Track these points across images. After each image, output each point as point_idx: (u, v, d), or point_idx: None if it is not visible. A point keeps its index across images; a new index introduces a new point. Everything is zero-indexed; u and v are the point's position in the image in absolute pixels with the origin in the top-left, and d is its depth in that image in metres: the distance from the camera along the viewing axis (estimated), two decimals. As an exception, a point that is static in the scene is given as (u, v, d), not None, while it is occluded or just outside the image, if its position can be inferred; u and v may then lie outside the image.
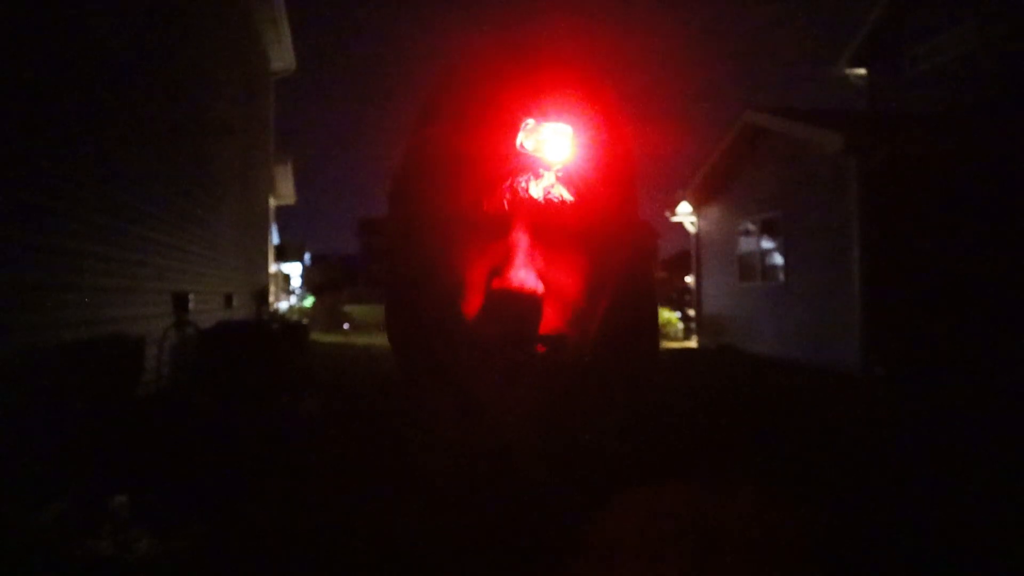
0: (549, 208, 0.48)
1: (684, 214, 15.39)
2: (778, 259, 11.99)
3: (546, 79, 0.50)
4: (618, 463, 0.56)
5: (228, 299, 8.93)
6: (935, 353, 8.90)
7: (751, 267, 12.95)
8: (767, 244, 12.40)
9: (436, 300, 0.51)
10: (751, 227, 12.89)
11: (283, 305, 21.91)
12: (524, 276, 0.47)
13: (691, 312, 16.16)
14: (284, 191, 15.90)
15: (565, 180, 0.48)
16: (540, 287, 0.48)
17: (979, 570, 3.08)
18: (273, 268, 16.26)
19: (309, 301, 23.43)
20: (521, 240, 0.48)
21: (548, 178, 0.48)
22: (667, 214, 15.81)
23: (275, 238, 18.15)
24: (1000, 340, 8.84)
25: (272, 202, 14.52)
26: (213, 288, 8.31)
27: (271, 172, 13.85)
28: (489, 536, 0.51)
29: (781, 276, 11.85)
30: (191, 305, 6.66)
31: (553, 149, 0.47)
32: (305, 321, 14.05)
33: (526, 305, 0.47)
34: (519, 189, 0.48)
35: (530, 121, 0.47)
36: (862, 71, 14.48)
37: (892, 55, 13.60)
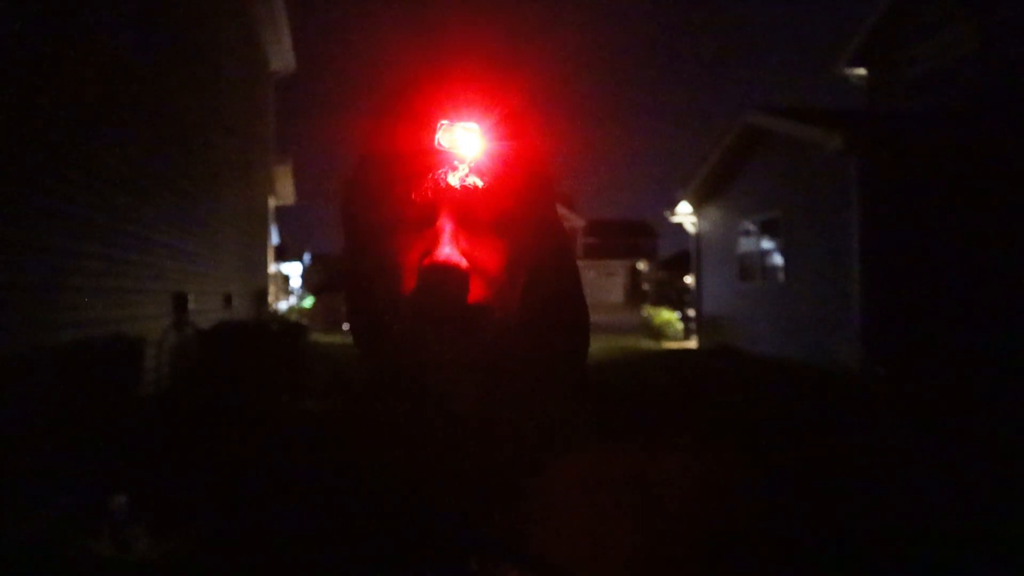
0: (469, 197, 0.57)
1: (684, 214, 15.38)
2: (778, 259, 11.99)
3: (457, 85, 0.58)
4: (590, 456, 0.61)
5: (227, 299, 8.93)
6: (935, 353, 8.90)
7: (751, 267, 12.95)
8: (767, 244, 12.40)
9: (380, 281, 0.59)
10: (751, 227, 12.89)
11: (283, 305, 21.91)
12: (449, 252, 0.55)
13: (691, 312, 16.16)
14: (284, 191, 15.88)
15: (477, 172, 0.57)
16: (464, 262, 0.55)
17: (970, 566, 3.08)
18: (273, 268, 16.26)
19: (309, 301, 23.44)
20: (446, 225, 0.56)
21: (462, 170, 0.57)
22: (667, 214, 15.82)
23: (275, 238, 18.14)
24: (1001, 339, 8.84)
25: (272, 202, 14.51)
26: (213, 288, 8.31)
27: (271, 172, 13.85)
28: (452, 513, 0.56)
29: (781, 276, 11.85)
30: (191, 305, 6.66)
31: (465, 145, 0.56)
32: (304, 321, 14.05)
33: (452, 277, 0.55)
34: (440, 180, 0.56)
35: (444, 122, 0.56)
36: (862, 71, 14.47)
37: (892, 55, 13.60)
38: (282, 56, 13.36)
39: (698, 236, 15.26)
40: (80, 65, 4.60)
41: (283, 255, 25.21)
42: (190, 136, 7.46)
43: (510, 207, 0.58)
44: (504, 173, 0.58)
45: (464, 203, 0.57)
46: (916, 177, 9.41)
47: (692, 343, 15.45)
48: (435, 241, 0.56)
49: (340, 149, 0.65)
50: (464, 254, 0.56)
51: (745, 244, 13.17)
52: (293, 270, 30.42)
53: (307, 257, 34.16)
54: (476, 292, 0.56)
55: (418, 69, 0.62)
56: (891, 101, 13.54)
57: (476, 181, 0.57)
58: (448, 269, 0.54)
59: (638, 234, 47.61)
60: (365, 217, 0.61)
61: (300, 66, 13.98)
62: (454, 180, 0.56)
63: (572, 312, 0.66)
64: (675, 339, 16.07)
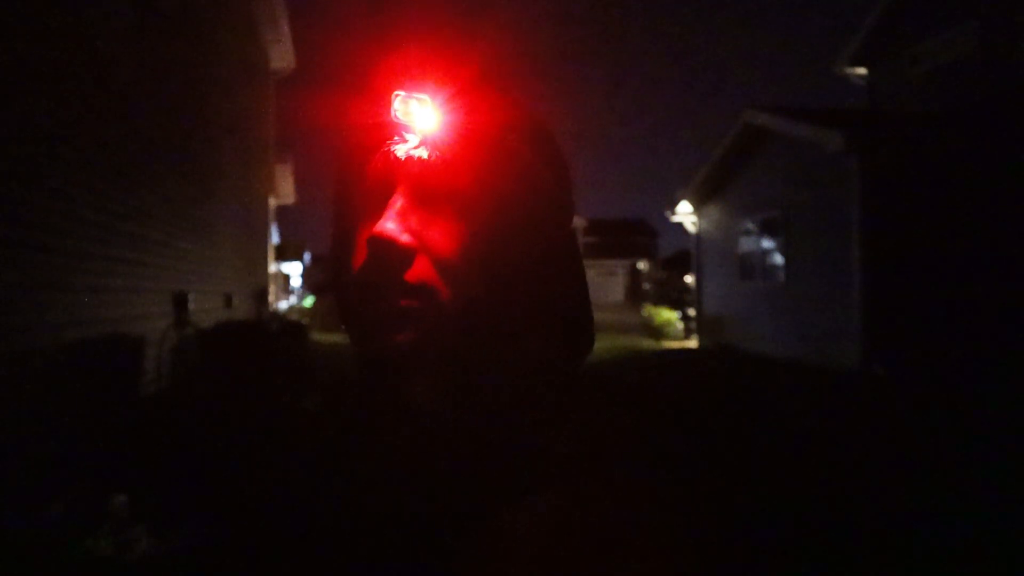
0: (424, 173, 0.55)
1: (684, 214, 15.38)
2: (778, 259, 11.98)
3: (412, 55, 0.56)
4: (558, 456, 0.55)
5: (228, 299, 8.93)
6: (935, 353, 8.90)
7: (751, 267, 12.95)
8: (767, 244, 12.39)
9: (340, 255, 0.59)
10: (751, 227, 12.89)
11: (283, 305, 21.90)
12: (389, 227, 0.53)
13: (691, 312, 16.16)
14: (284, 191, 15.90)
15: (430, 145, 0.55)
16: (405, 238, 0.53)
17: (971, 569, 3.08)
18: (273, 268, 16.26)
19: (309, 301, 23.44)
20: (397, 200, 0.55)
21: (413, 142, 0.55)
22: (667, 213, 15.81)
23: (275, 238, 18.14)
24: (1001, 339, 8.84)
25: (272, 202, 14.51)
26: (213, 288, 8.31)
27: (271, 172, 13.85)
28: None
29: (781, 276, 11.85)
30: (191, 305, 6.66)
31: (419, 117, 0.54)
32: (305, 321, 14.04)
33: (390, 250, 0.52)
34: (391, 153, 0.55)
35: (400, 93, 0.54)
36: (862, 71, 14.47)
37: (892, 55, 13.59)
38: (282, 55, 13.36)
39: (698, 235, 15.26)
40: (80, 64, 4.60)
41: (283, 255, 25.19)
42: (190, 135, 7.46)
43: (467, 186, 0.54)
44: (460, 149, 0.54)
45: (419, 179, 0.55)
46: (917, 177, 9.41)
47: (692, 342, 15.44)
48: (383, 216, 0.54)
49: (339, 148, 0.64)
50: (414, 232, 0.53)
51: (745, 243, 13.17)
52: (293, 270, 30.39)
53: (307, 257, 34.15)
54: (421, 272, 0.53)
55: (375, 38, 0.60)
56: (891, 101, 13.53)
57: (423, 154, 0.54)
58: (385, 242, 0.52)
59: (638, 233, 47.59)
60: (340, 194, 0.61)
61: (300, 65, 13.98)
62: (402, 153, 0.55)
63: (565, 309, 0.59)
64: (675, 338, 16.07)
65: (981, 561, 3.15)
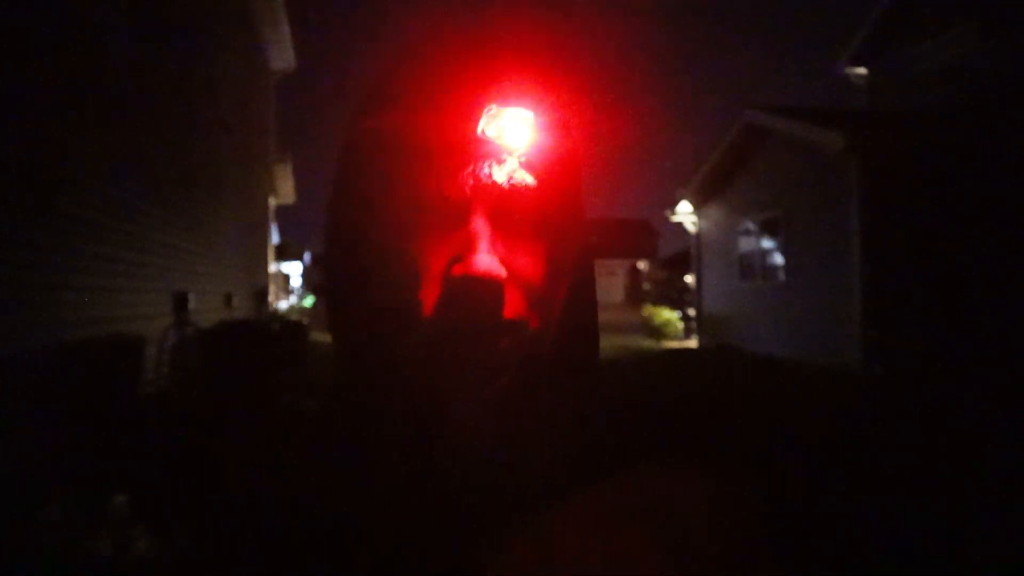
0: (510, 194, 0.48)
1: (684, 214, 15.38)
2: (778, 259, 11.99)
3: (507, 63, 0.50)
4: (584, 462, 0.55)
5: (228, 299, 8.93)
6: (936, 352, 8.89)
7: (751, 266, 12.95)
8: (767, 244, 12.40)
9: (392, 292, 0.49)
10: (751, 226, 12.89)
11: (283, 305, 21.90)
12: (488, 262, 0.47)
13: (691, 311, 16.16)
14: (284, 191, 15.90)
15: (527, 166, 0.48)
16: (503, 272, 0.47)
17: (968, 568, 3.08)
18: (273, 268, 16.26)
19: (309, 301, 23.44)
20: (482, 226, 0.48)
21: (511, 163, 0.48)
22: (667, 213, 15.81)
23: (275, 238, 18.14)
24: (1001, 339, 8.83)
25: (272, 202, 14.51)
26: (213, 288, 8.31)
27: (271, 172, 13.85)
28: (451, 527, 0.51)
29: (781, 275, 11.85)
30: (191, 305, 6.65)
31: (515, 135, 0.48)
32: (305, 321, 14.04)
33: (489, 290, 0.47)
34: (481, 176, 0.47)
35: (492, 107, 0.47)
36: (862, 71, 14.47)
37: (892, 55, 13.59)
38: (282, 55, 13.37)
39: (699, 235, 15.26)
40: (80, 64, 4.59)
41: (283, 255, 25.20)
42: (190, 135, 7.46)
43: (558, 206, 0.50)
44: (554, 168, 0.50)
45: (503, 202, 0.48)
46: (916, 177, 9.41)
47: (692, 342, 15.44)
48: (467, 244, 0.47)
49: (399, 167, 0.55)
50: (501, 260, 0.48)
51: (745, 243, 13.18)
52: (293, 269, 30.43)
53: (307, 257, 34.15)
54: (513, 305, 0.48)
55: (459, 40, 0.52)
56: (891, 101, 13.53)
57: (526, 178, 0.48)
58: (486, 282, 0.47)
59: (638, 234, 47.57)
60: (376, 213, 0.50)
61: (300, 65, 13.99)
62: (501, 176, 0.47)
63: (591, 322, 0.58)
64: (675, 338, 16.07)
65: (981, 560, 3.15)
